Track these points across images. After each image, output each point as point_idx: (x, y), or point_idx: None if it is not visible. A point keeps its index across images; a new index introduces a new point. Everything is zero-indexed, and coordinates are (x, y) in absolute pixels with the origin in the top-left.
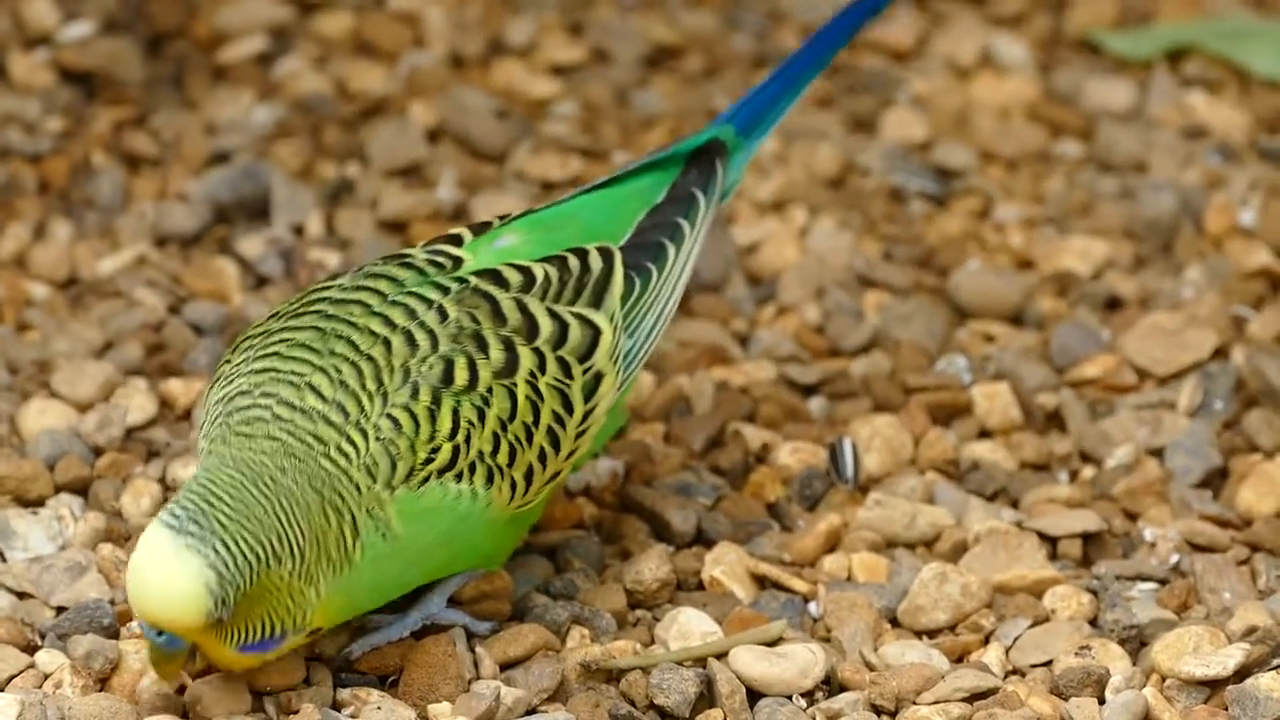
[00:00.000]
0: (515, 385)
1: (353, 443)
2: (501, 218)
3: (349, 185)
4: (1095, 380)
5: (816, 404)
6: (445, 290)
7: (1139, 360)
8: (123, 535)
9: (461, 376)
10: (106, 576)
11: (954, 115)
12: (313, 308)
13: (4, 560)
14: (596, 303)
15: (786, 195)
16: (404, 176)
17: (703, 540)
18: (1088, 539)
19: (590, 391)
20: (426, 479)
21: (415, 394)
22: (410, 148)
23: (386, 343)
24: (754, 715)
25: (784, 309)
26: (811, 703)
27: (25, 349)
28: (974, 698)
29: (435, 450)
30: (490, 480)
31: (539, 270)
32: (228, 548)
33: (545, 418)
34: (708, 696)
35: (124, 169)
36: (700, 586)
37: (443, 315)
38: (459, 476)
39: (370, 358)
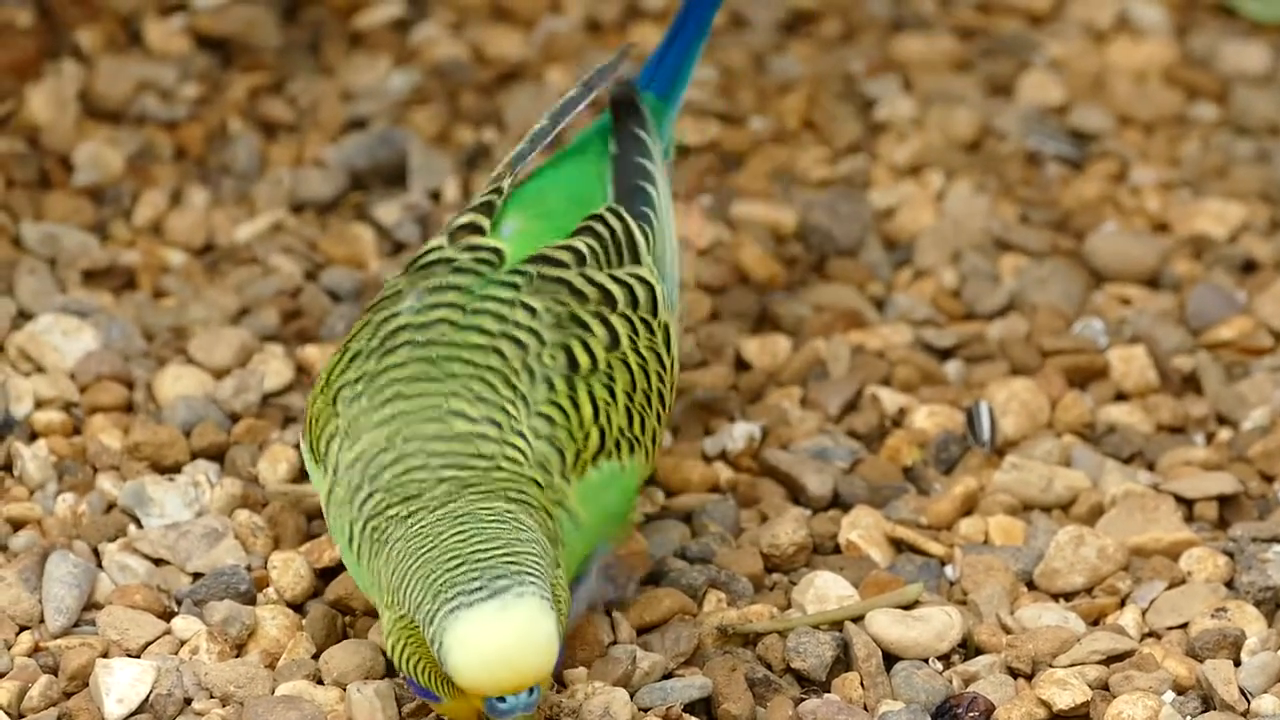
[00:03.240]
0: (626, 356)
1: (517, 448)
2: (494, 193)
3: (485, 150)
4: (1231, 343)
5: (953, 367)
6: (515, 287)
7: (1275, 323)
8: (259, 501)
9: (584, 359)
10: (243, 542)
11: (1090, 79)
12: (399, 341)
13: (140, 526)
14: (636, 259)
15: (923, 159)
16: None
17: (839, 504)
18: (1224, 501)
19: (667, 343)
20: (589, 464)
21: (552, 387)
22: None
23: (498, 352)
24: (890, 678)
25: (920, 273)
26: (948, 666)
27: (162, 315)
28: (1110, 660)
29: (587, 436)
30: (633, 451)
31: (580, 245)
32: (537, 573)
33: (653, 379)
34: (844, 660)
35: (260, 135)
36: (837, 550)
37: (530, 310)
38: (609, 455)
39: (491, 368)
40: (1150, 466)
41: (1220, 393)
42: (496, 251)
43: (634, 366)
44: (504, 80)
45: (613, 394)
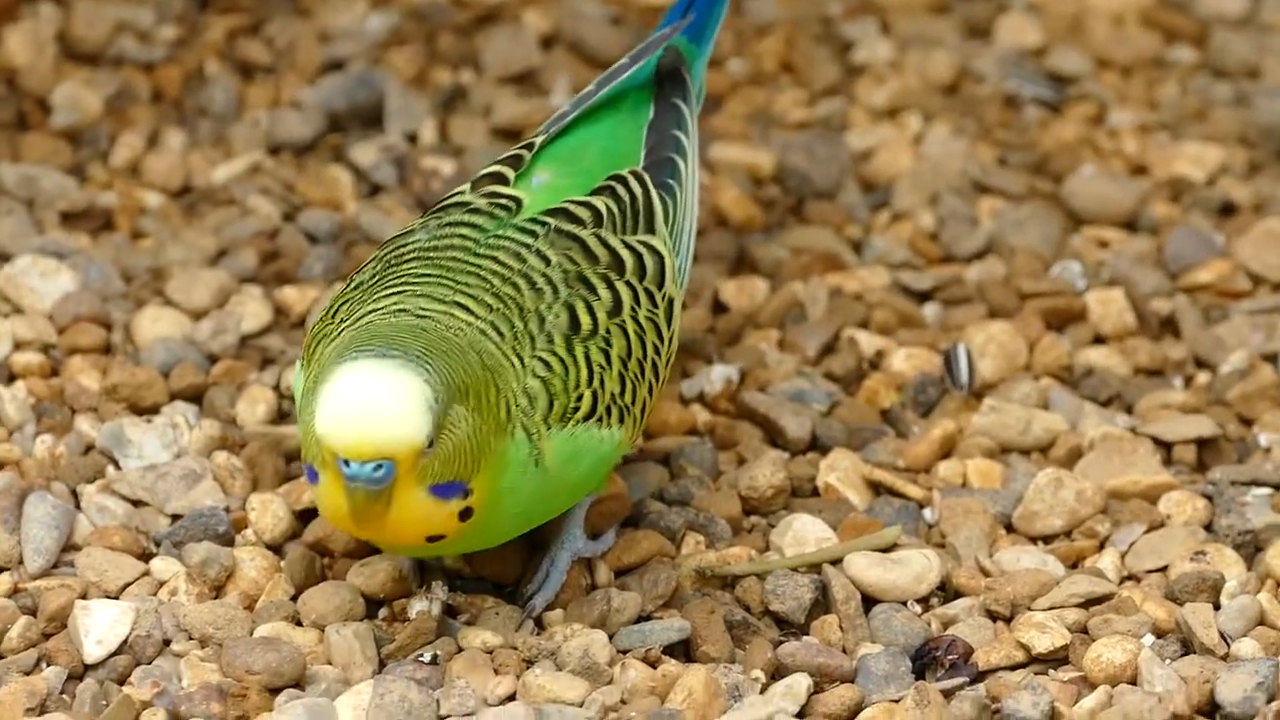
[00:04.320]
0: (624, 323)
1: (512, 362)
2: (525, 148)
3: (463, 92)
4: (1209, 286)
5: (931, 310)
6: (532, 234)
7: (1253, 266)
8: (238, 443)
9: (585, 321)
10: (221, 484)
11: (1068, 21)
12: (407, 258)
13: (119, 468)
14: (650, 229)
15: (901, 102)
16: (518, 84)
17: (817, 446)
18: (1202, 444)
19: (669, 318)
20: (575, 424)
21: (552, 340)
22: (524, 55)
23: (513, 285)
24: (869, 621)
25: (898, 215)
26: (926, 608)
27: (140, 257)
28: (1089, 603)
29: (579, 397)
30: (622, 420)
31: (600, 204)
32: (431, 369)
33: (649, 351)
34: (823, 603)
35: (237, 77)
36: (815, 493)
37: (545, 259)
38: (599, 421)
39: (507, 295)
40: (1128, 409)
41: (1198, 336)
42: (515, 200)
43: (631, 334)
44: (482, 22)
45: (608, 359)
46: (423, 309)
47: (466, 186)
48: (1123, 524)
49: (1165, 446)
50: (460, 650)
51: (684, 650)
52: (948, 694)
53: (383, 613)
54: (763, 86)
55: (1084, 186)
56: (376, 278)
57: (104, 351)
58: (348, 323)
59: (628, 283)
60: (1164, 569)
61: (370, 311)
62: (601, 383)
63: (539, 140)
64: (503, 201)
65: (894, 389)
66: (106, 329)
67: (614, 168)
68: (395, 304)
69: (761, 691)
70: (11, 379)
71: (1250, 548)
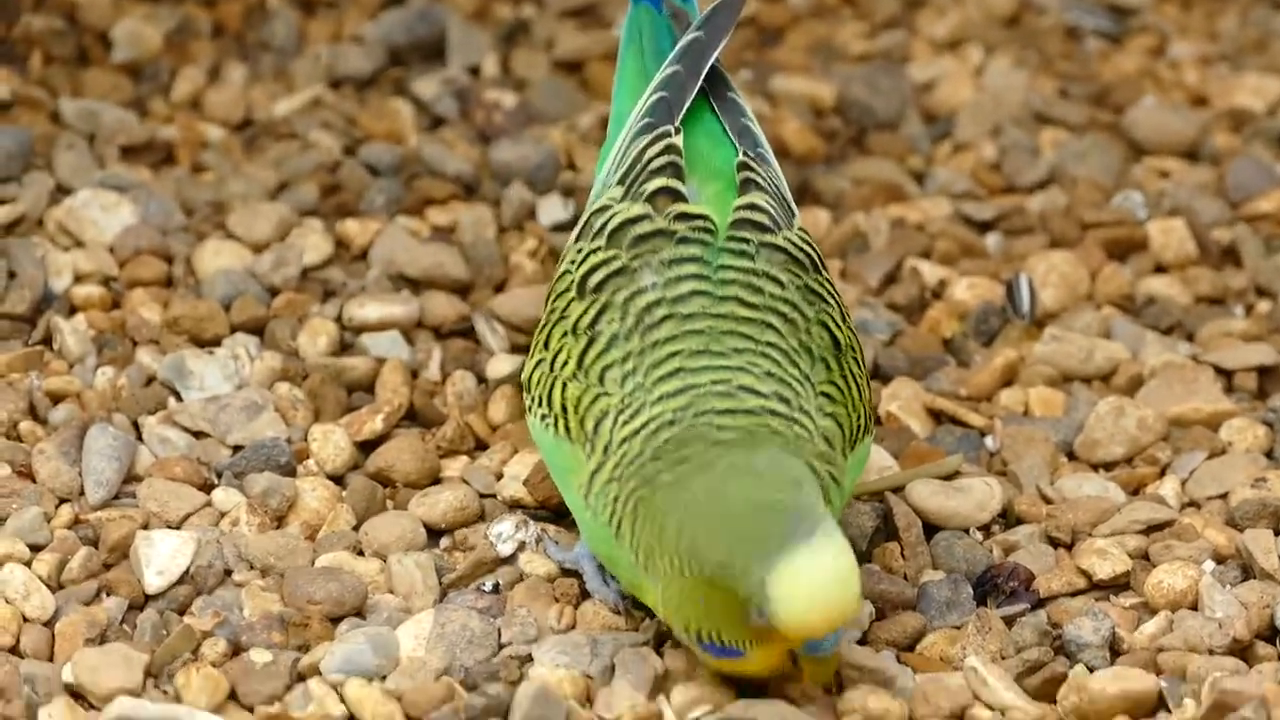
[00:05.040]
0: (843, 324)
1: (804, 426)
2: (672, 153)
3: (524, 26)
4: (1270, 215)
5: (993, 240)
6: (749, 255)
7: None
8: (299, 374)
9: (841, 336)
10: (283, 415)
11: None
12: (657, 316)
13: (180, 399)
14: (792, 212)
15: (962, 34)
16: (579, 17)
17: (879, 376)
18: (1263, 372)
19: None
20: (859, 440)
21: (828, 367)
22: None
23: (771, 327)
24: (931, 548)
25: (960, 146)
26: (988, 535)
27: (201, 190)
28: (1150, 530)
29: (859, 414)
30: (876, 424)
31: (764, 203)
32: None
33: (859, 346)
34: (884, 530)
35: (298, 11)
36: (877, 421)
37: (779, 283)
38: (869, 430)
39: (772, 344)
40: (1189, 338)
41: (1259, 265)
42: (707, 219)
43: (848, 332)
44: None
45: (861, 367)
46: (718, 412)
47: (644, 206)
48: (1184, 451)
49: (1226, 374)
50: (522, 579)
51: None
52: (1009, 620)
53: (444, 542)
54: (824, 19)
55: (1145, 117)
56: (631, 336)
57: (165, 284)
58: (638, 411)
59: (821, 282)
60: (1225, 496)
61: (663, 424)
62: (861, 393)
63: (678, 142)
64: (699, 224)
65: (956, 318)
66: (167, 262)
67: (728, 158)
68: (686, 406)
69: None
70: (72, 311)
71: None
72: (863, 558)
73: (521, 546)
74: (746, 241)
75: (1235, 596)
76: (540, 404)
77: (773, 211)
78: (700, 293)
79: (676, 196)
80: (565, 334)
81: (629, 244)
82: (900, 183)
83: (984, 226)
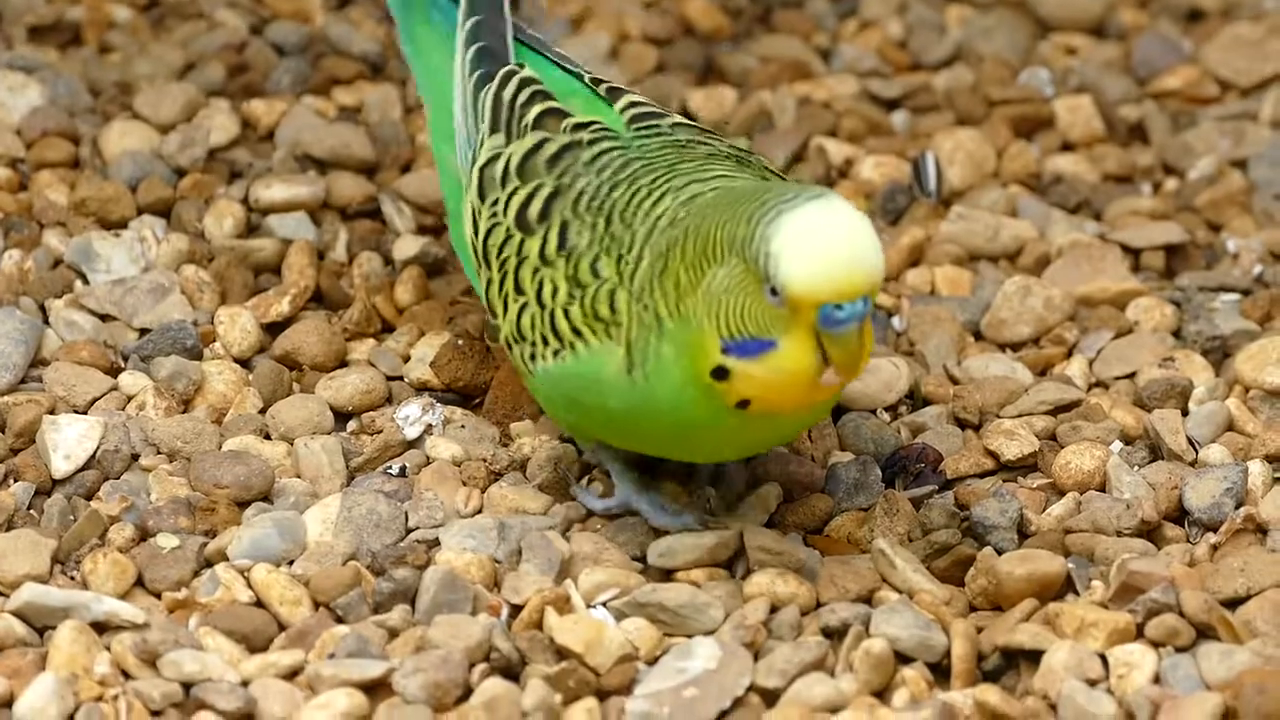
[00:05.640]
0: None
1: None
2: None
3: None
4: (1177, 92)
5: (899, 118)
6: (665, 132)
7: (1221, 71)
8: (205, 256)
9: None
10: (189, 298)
11: None
12: (610, 191)
13: (86, 282)
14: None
15: None
16: None
17: None
18: (1170, 251)
19: None
20: None
21: None
22: None
23: (718, 162)
24: (838, 429)
25: (866, 23)
26: (895, 416)
27: (107, 71)
28: (1057, 410)
29: None
30: None
31: (646, 100)
32: None
33: None
34: None
35: None
36: None
37: (706, 144)
38: None
39: (724, 172)
40: (1097, 216)
41: (1166, 142)
42: (601, 123)
43: None
44: None
45: None
46: (721, 184)
47: (530, 136)
48: (1091, 331)
49: (1133, 253)
50: (429, 462)
51: (650, 462)
52: (916, 502)
53: (351, 425)
54: None
55: None
56: (603, 220)
57: (72, 166)
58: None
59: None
60: (1132, 375)
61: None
62: None
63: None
64: (600, 127)
65: (863, 197)
66: (74, 143)
67: (569, 80)
68: (687, 188)
69: (730, 508)
70: None
71: (1218, 353)
72: None
73: (428, 429)
74: (656, 126)
75: (1143, 477)
76: (545, 344)
77: (658, 106)
78: (636, 160)
79: (562, 114)
80: (536, 269)
81: (545, 168)
82: (806, 60)
83: (890, 104)
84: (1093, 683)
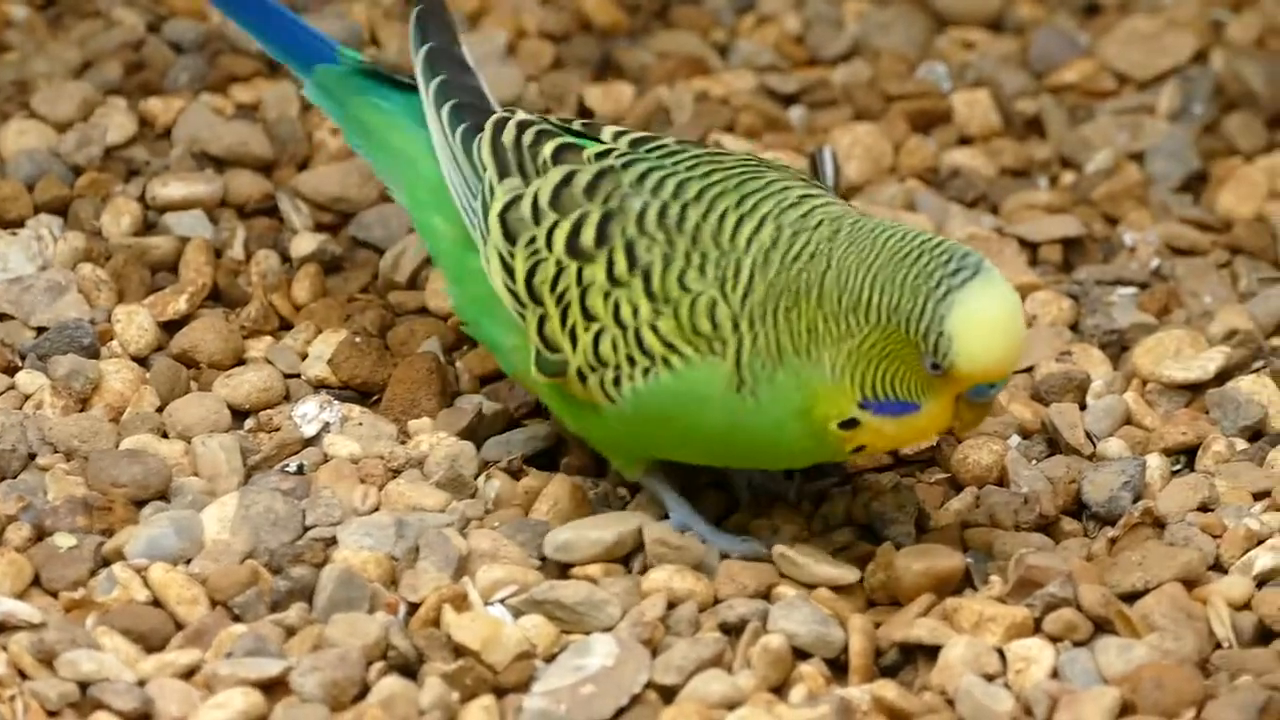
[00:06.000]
0: None
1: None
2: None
3: None
4: (1074, 85)
5: (796, 113)
6: (681, 150)
7: (1118, 65)
8: (103, 254)
9: None
10: (87, 296)
11: None
12: (677, 211)
13: None
14: None
15: None
16: None
17: None
18: (1068, 244)
19: None
20: None
21: None
22: None
23: (766, 170)
24: None
25: (764, 18)
26: None
27: (4, 70)
28: None
29: None
30: None
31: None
32: None
33: None
34: None
35: None
36: None
37: (729, 153)
38: None
39: (778, 178)
40: (994, 210)
41: (1063, 136)
42: (616, 147)
43: None
44: None
45: None
46: (812, 209)
47: (555, 171)
48: None
49: (1031, 247)
50: (326, 460)
51: (551, 458)
52: (816, 497)
53: (249, 423)
54: None
55: None
56: (679, 238)
57: None
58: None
59: None
60: (1030, 369)
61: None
62: None
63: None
64: (623, 150)
65: None
66: None
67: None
68: (785, 214)
69: (624, 506)
70: None
71: (1116, 347)
72: None
73: (326, 427)
74: (664, 145)
75: (1041, 471)
76: (632, 364)
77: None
78: (686, 179)
79: (577, 147)
80: (608, 292)
81: (584, 197)
82: (704, 56)
83: (788, 99)
84: (990, 678)
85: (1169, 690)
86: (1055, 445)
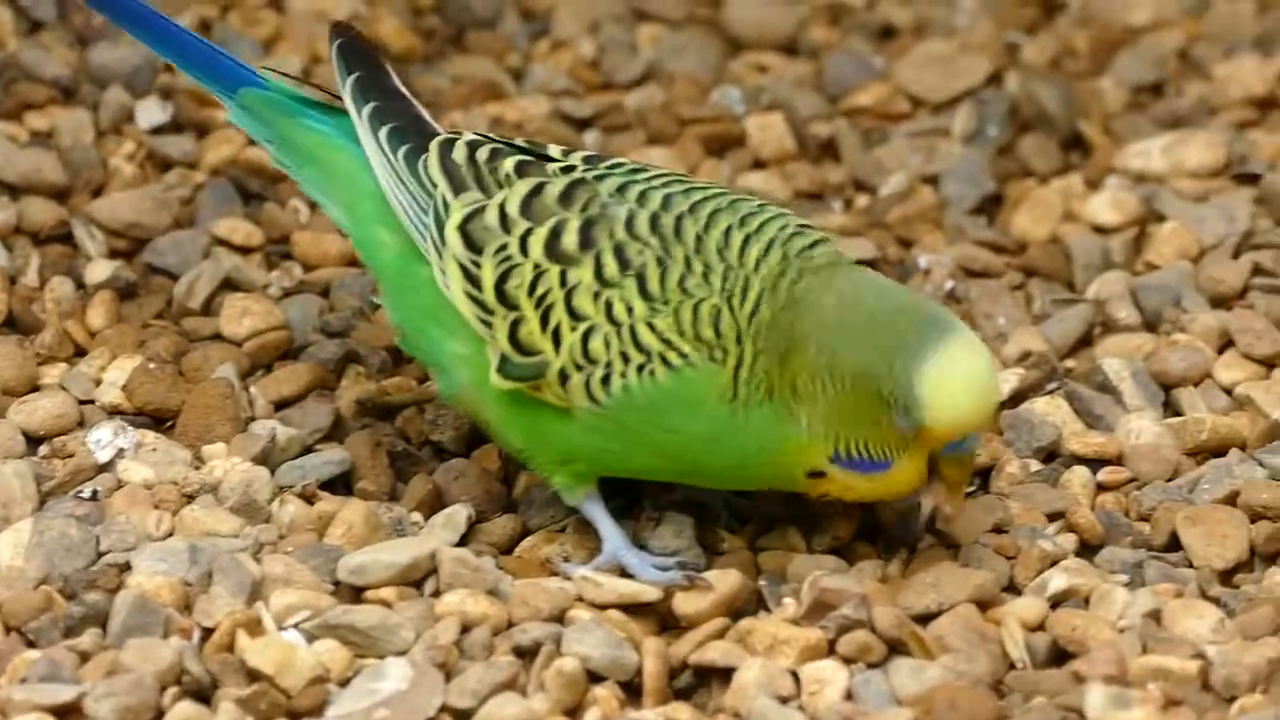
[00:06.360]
0: None
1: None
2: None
3: None
4: (869, 109)
5: (591, 137)
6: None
7: (912, 88)
8: None
9: None
10: None
11: None
12: (670, 220)
13: None
14: None
15: None
16: None
17: None
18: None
19: None
20: None
21: None
22: None
23: (730, 193)
24: None
25: (558, 44)
26: None
27: None
28: None
29: None
30: None
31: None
32: None
33: None
34: (484, 432)
35: None
36: None
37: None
38: None
39: (751, 198)
40: None
41: (858, 159)
42: (572, 163)
43: None
44: None
45: None
46: (812, 241)
47: (522, 183)
48: None
49: None
50: (120, 486)
51: (344, 484)
52: None
53: (43, 450)
54: None
55: (742, 11)
56: (674, 244)
57: None
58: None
59: None
60: None
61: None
62: None
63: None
64: (582, 164)
65: None
66: None
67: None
68: (790, 243)
69: (418, 531)
70: None
71: None
72: (463, 458)
73: (120, 453)
74: (622, 163)
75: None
76: (625, 360)
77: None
78: (669, 194)
79: (539, 162)
80: (598, 292)
81: (558, 205)
82: (499, 81)
83: (583, 124)
84: (784, 700)
85: (963, 711)
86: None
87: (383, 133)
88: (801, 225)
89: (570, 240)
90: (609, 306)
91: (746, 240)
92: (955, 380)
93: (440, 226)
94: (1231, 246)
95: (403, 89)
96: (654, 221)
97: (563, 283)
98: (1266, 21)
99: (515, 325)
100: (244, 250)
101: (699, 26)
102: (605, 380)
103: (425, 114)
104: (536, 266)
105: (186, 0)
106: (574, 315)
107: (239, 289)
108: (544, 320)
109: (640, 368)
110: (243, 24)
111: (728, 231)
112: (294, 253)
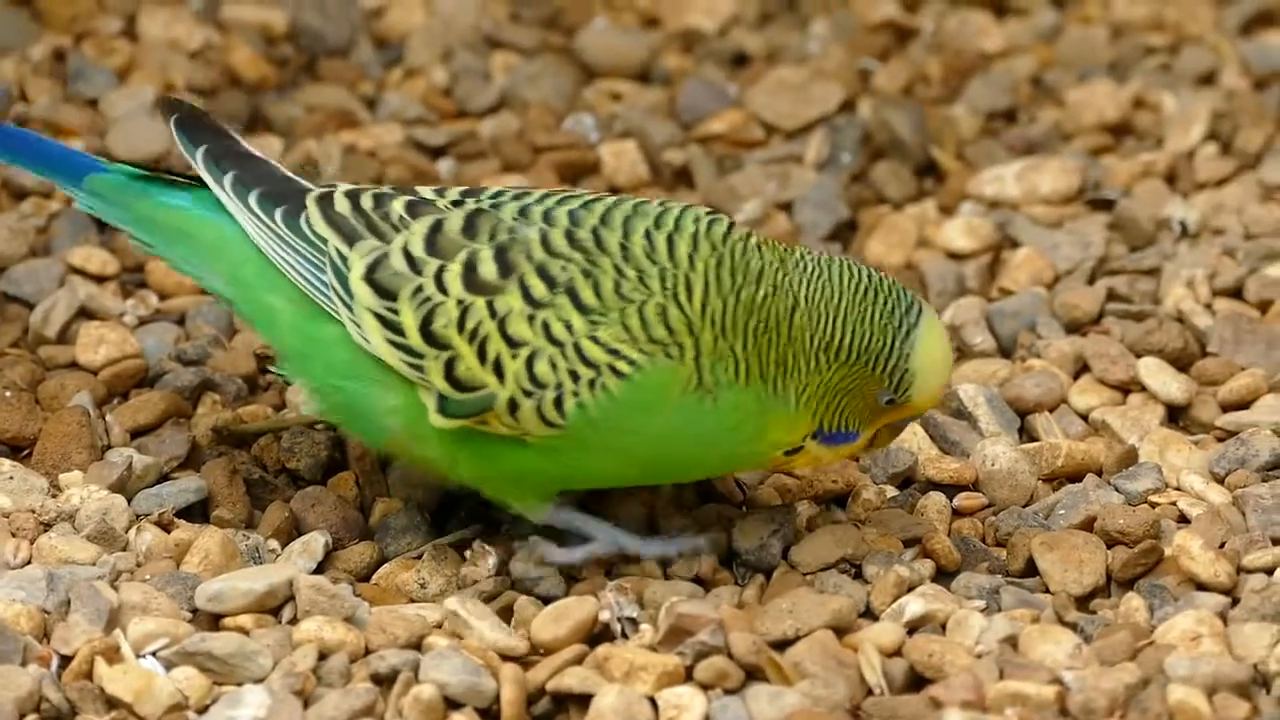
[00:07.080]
0: None
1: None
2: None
3: None
4: (722, 135)
5: (445, 165)
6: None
7: (766, 115)
8: None
9: None
10: None
11: None
12: (585, 232)
13: None
14: None
15: None
16: None
17: None
18: None
19: None
20: None
21: None
22: None
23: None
24: (386, 477)
25: (411, 71)
26: None
27: None
28: None
29: None
30: None
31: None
32: None
33: None
34: (340, 459)
35: None
36: None
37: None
38: None
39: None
40: None
41: (712, 185)
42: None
43: None
44: None
45: None
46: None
47: (419, 223)
48: None
49: None
50: None
51: (201, 511)
52: (462, 548)
53: None
54: None
55: (596, 40)
56: (601, 256)
57: None
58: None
59: None
60: None
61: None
62: None
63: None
64: (472, 196)
65: None
66: None
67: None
68: (713, 235)
69: (275, 558)
70: None
71: None
72: (318, 485)
73: None
74: (503, 190)
75: (694, 519)
76: (575, 379)
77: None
78: (573, 209)
79: (427, 200)
80: (531, 315)
81: (463, 237)
82: (352, 109)
83: (437, 152)
84: None
85: None
86: (707, 494)
87: (252, 199)
88: (709, 213)
89: (488, 270)
90: (546, 327)
91: (670, 239)
92: (937, 354)
93: (343, 280)
94: (1086, 272)
95: (253, 150)
96: (570, 237)
97: (492, 313)
98: (1119, 47)
99: (450, 364)
100: (99, 279)
101: (552, 54)
102: (558, 402)
103: (284, 169)
104: (460, 302)
105: (40, 31)
106: (512, 343)
107: (95, 317)
108: (481, 354)
109: (591, 383)
110: (97, 54)
111: (648, 234)
112: (149, 281)
